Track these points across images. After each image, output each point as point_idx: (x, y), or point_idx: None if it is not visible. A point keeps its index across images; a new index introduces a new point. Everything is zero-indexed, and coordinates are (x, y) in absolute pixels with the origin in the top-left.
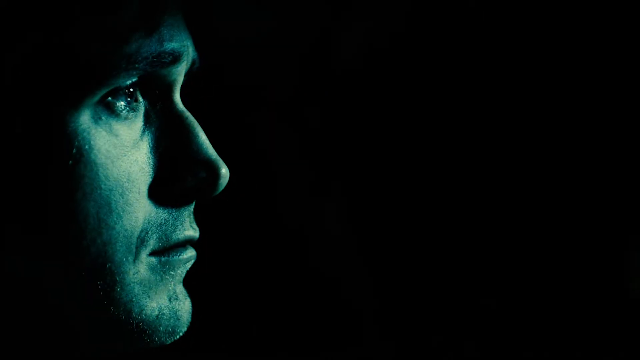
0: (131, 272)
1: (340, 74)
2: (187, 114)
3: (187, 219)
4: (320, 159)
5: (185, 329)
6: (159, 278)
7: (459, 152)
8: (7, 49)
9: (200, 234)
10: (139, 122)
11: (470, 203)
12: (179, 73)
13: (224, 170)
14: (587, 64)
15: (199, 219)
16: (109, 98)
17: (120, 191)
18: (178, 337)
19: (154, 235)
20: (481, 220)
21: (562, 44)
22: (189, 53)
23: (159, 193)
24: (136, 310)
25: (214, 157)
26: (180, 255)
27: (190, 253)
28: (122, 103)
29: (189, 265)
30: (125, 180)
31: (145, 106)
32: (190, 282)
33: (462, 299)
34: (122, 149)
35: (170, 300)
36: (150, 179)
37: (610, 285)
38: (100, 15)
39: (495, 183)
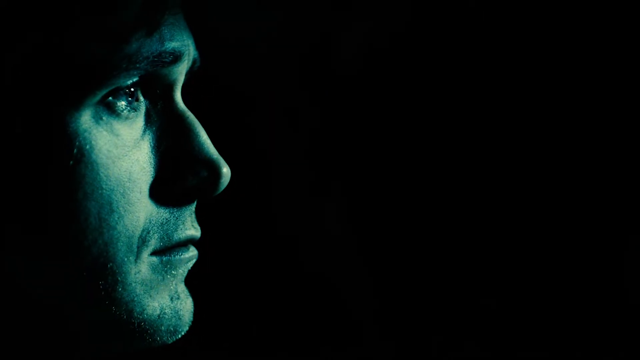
0: (133, 272)
1: (341, 74)
2: (188, 113)
3: (189, 219)
4: (320, 159)
5: (187, 328)
6: (160, 278)
7: (458, 152)
8: (7, 49)
9: (201, 234)
10: (140, 122)
11: (470, 203)
12: (180, 72)
13: (225, 170)
14: (587, 64)
15: (200, 219)
16: (110, 98)
17: (121, 191)
18: (180, 336)
19: (156, 234)
20: (481, 221)
21: (563, 44)
22: (190, 52)
23: (160, 192)
24: (138, 309)
25: (215, 156)
26: (181, 254)
27: (191, 252)
28: (123, 103)
29: (190, 264)
30: (126, 179)
31: (146, 105)
32: (191, 281)
33: (462, 299)
34: (123, 148)
35: (171, 299)
36: (152, 179)
37: (609, 285)
38: (100, 15)
39: (495, 183)
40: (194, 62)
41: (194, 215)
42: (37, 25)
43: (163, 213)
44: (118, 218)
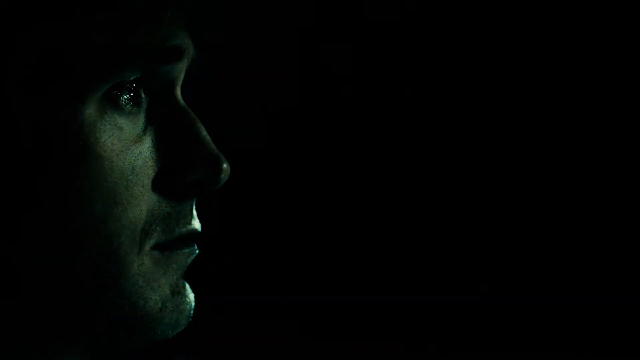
0: (136, 264)
1: (338, 73)
2: (189, 110)
3: (190, 213)
4: (319, 155)
5: (187, 322)
6: (162, 271)
7: (458, 153)
8: (13, 44)
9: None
10: (141, 117)
11: (472, 203)
12: (181, 70)
13: (225, 165)
14: (588, 64)
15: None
16: (114, 92)
17: (124, 184)
18: (180, 330)
19: (158, 227)
20: (481, 220)
21: (563, 48)
22: (190, 52)
23: (162, 187)
24: (141, 302)
25: (215, 152)
26: (182, 249)
27: (192, 247)
28: (126, 97)
29: (190, 259)
30: (129, 173)
31: (147, 102)
32: (191, 276)
33: (461, 298)
34: (126, 142)
35: (172, 293)
36: (154, 173)
37: (609, 284)
38: (107, 11)
39: (495, 183)
40: (192, 62)
41: (194, 210)
42: (43, 20)
43: (165, 207)
44: (122, 210)
